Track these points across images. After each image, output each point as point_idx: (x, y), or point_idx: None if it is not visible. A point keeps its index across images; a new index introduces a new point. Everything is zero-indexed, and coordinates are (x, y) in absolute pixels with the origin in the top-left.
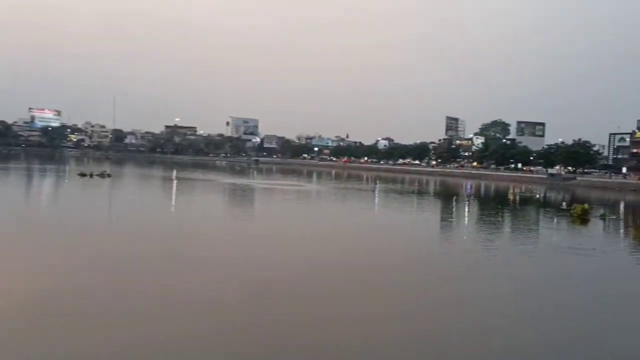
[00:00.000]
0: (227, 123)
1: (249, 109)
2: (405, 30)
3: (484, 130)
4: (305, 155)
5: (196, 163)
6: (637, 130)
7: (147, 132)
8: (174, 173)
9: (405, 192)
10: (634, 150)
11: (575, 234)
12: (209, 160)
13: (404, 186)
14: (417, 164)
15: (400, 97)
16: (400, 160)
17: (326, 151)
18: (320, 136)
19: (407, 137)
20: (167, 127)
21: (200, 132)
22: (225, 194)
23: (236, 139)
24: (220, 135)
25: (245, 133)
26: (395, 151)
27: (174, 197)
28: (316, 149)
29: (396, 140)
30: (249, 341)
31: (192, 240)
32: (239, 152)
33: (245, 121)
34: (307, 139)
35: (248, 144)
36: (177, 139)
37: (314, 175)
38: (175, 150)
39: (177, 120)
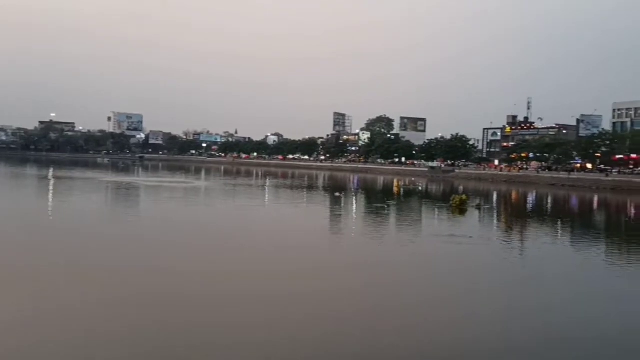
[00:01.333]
0: (109, 118)
1: (132, 104)
2: (294, 25)
3: (369, 126)
4: (193, 152)
5: (75, 161)
6: (507, 126)
7: (18, 129)
8: (50, 172)
9: (295, 187)
10: (505, 144)
11: (455, 223)
12: (89, 157)
13: (294, 181)
14: (306, 159)
15: (290, 92)
16: (290, 156)
17: (215, 147)
18: (208, 132)
19: (296, 133)
20: (41, 122)
21: (79, 128)
22: (107, 193)
23: (119, 135)
24: (102, 131)
25: (128, 129)
26: (285, 147)
27: (50, 197)
28: (204, 145)
29: (285, 136)
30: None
31: (68, 245)
32: (122, 149)
33: (129, 116)
34: (194, 134)
35: (132, 140)
36: (53, 135)
37: (203, 172)
38: (52, 148)
39: (53, 116)
